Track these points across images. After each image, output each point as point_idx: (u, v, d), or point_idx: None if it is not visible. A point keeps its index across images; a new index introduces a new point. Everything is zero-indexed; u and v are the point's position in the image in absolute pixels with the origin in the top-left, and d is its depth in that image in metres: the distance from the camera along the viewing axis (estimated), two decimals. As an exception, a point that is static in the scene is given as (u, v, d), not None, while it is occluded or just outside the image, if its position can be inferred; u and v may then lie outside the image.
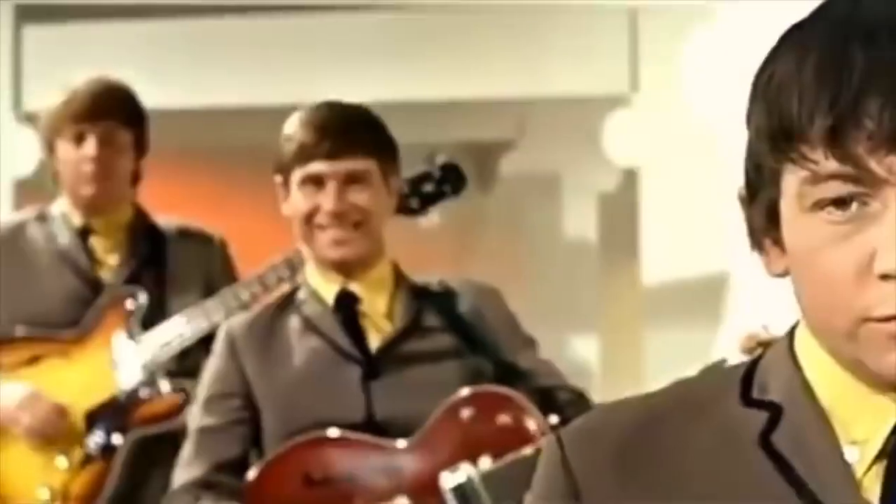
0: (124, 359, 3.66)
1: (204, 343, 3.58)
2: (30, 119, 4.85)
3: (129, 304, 3.68)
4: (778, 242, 1.25)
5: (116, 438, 3.62)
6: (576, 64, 5.27)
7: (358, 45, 5.22)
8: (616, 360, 5.61)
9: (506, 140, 6.59)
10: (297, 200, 2.88)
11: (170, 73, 5.01)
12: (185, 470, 2.95)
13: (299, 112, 2.93)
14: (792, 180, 1.20)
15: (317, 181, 2.85)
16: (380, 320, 2.95)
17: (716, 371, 1.41)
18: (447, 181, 3.40)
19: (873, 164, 1.15)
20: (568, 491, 1.30)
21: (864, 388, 1.24)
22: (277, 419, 2.93)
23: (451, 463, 2.86)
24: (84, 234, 3.72)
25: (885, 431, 1.22)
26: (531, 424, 2.85)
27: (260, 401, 2.94)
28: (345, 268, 2.92)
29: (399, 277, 3.01)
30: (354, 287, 2.94)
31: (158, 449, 3.59)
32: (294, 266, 3.41)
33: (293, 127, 2.89)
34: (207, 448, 2.94)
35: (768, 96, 1.20)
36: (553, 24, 5.17)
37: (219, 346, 3.01)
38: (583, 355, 5.94)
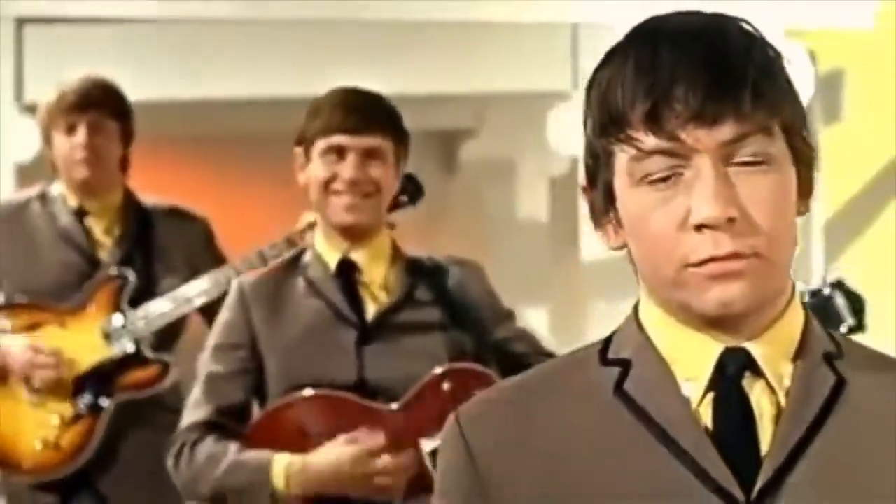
0: (114, 330, 3.74)
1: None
2: (30, 109, 4.78)
3: (121, 283, 3.75)
4: (614, 220, 1.39)
5: (103, 401, 3.71)
6: (526, 65, 5.38)
7: (339, 48, 5.26)
8: (564, 328, 5.66)
9: (467, 128, 6.64)
10: (317, 168, 2.94)
11: (161, 69, 5.01)
12: (193, 411, 2.97)
13: (328, 92, 3.00)
14: (623, 159, 1.35)
15: (339, 152, 2.92)
16: (376, 289, 3.00)
17: (582, 347, 1.48)
18: (405, 191, 3.40)
19: (684, 136, 1.31)
20: (466, 461, 1.43)
21: (690, 333, 1.38)
22: (279, 371, 2.96)
23: (430, 430, 2.86)
24: (80, 215, 3.80)
25: (710, 367, 1.37)
26: None
27: (264, 353, 2.97)
28: (351, 234, 2.97)
29: (396, 251, 3.06)
30: (355, 256, 2.99)
31: (141, 411, 3.72)
32: (263, 259, 3.50)
33: (321, 103, 2.97)
34: (214, 393, 2.97)
35: (599, 96, 1.36)
36: (508, 33, 5.30)
37: (231, 298, 3.03)
38: (535, 324, 5.99)
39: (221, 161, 6.14)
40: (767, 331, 1.38)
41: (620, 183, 1.37)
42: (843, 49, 5.61)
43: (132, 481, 3.72)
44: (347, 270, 2.98)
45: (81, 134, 3.73)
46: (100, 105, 3.76)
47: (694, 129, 1.32)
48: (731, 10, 1.41)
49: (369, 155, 2.93)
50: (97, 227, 3.81)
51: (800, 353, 1.39)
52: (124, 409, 3.72)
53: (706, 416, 1.37)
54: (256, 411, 3.03)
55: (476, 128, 6.67)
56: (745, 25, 1.37)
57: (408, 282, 3.01)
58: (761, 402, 1.37)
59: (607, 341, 1.44)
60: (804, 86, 4.64)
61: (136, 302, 3.74)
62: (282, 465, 2.86)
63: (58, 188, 3.83)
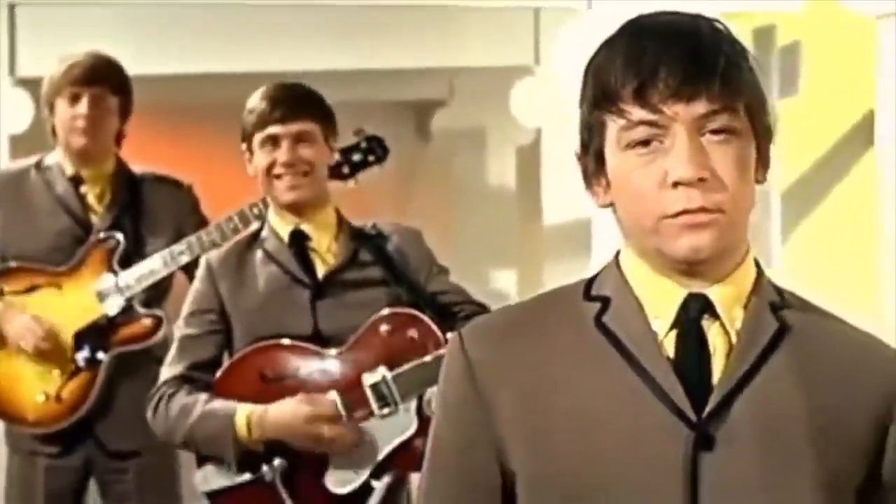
0: (107, 290, 3.87)
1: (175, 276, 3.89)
2: (23, 83, 4.96)
3: (111, 245, 3.88)
4: (603, 182, 1.61)
5: (100, 355, 3.85)
6: (492, 41, 5.51)
7: (322, 27, 5.38)
8: (528, 286, 5.76)
9: (438, 99, 6.72)
10: (258, 158, 3.22)
11: (146, 45, 5.08)
12: (169, 368, 3.25)
13: (258, 91, 3.26)
14: (613, 129, 1.57)
15: (273, 141, 3.20)
16: (325, 254, 3.28)
17: (570, 284, 1.70)
18: (372, 152, 3.61)
19: (665, 109, 1.53)
20: (465, 370, 1.63)
21: (661, 279, 1.60)
22: (244, 329, 3.24)
23: (371, 366, 3.17)
24: (75, 182, 3.91)
25: (676, 308, 1.59)
26: (432, 338, 3.14)
27: (231, 315, 3.26)
28: (297, 209, 3.25)
29: (341, 220, 3.32)
30: (305, 227, 3.27)
31: (135, 363, 3.85)
32: (247, 217, 3.69)
33: (253, 102, 3.24)
34: (187, 352, 3.25)
35: (595, 77, 1.59)
36: (476, 14, 5.46)
37: (200, 272, 3.30)
38: (503, 284, 6.16)
39: (207, 131, 6.21)
40: (724, 280, 1.59)
41: (610, 149, 1.58)
42: (801, 23, 5.66)
43: (129, 429, 3.83)
44: (299, 240, 3.26)
45: (84, 105, 3.85)
46: (104, 80, 3.87)
47: (673, 105, 1.54)
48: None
49: (300, 139, 3.20)
50: (91, 193, 3.93)
51: (750, 302, 1.60)
52: (120, 363, 3.86)
53: (669, 348, 1.59)
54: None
55: (447, 99, 6.76)
56: (717, 24, 1.59)
57: (352, 246, 3.27)
58: (716, 340, 1.58)
59: (591, 281, 1.66)
60: None
61: (126, 263, 3.87)
62: (244, 414, 3.13)
63: (54, 157, 3.94)
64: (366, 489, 3.16)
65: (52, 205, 3.91)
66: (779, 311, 1.61)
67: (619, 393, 1.57)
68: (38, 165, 3.96)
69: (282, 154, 3.20)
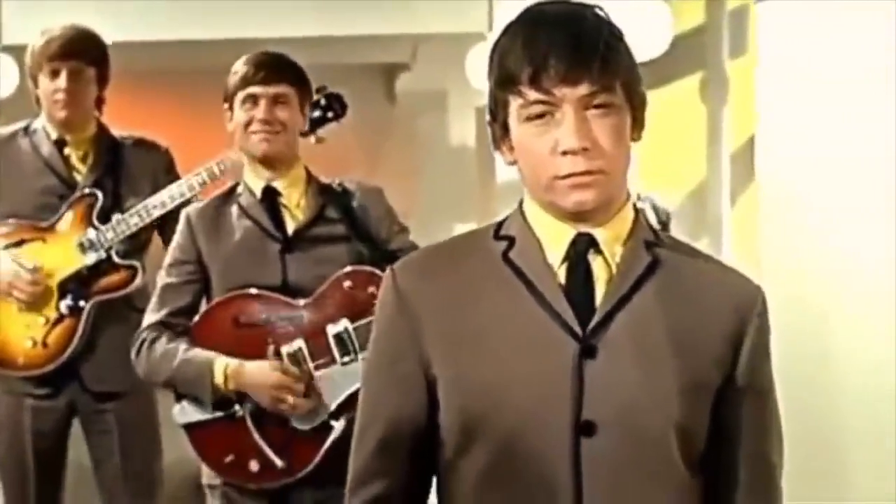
0: (87, 242, 3.98)
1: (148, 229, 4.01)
2: (9, 50, 5.06)
3: (91, 201, 3.99)
4: (508, 145, 1.88)
5: (82, 303, 3.97)
6: (451, 9, 5.72)
7: None
8: None
9: (402, 63, 6.93)
10: (238, 115, 3.39)
11: (125, 14, 5.20)
12: (150, 314, 3.43)
13: (244, 56, 3.43)
14: (514, 105, 1.84)
15: (253, 100, 3.38)
16: (295, 210, 3.43)
17: (483, 227, 1.96)
18: (331, 108, 3.72)
19: (555, 91, 1.81)
20: (396, 297, 1.92)
21: (555, 222, 1.88)
22: (220, 279, 3.40)
23: (335, 318, 3.34)
24: (59, 145, 4.03)
25: (567, 245, 1.87)
26: None
27: (208, 265, 3.41)
28: (269, 163, 3.41)
29: (310, 178, 3.48)
30: (276, 184, 3.43)
31: (116, 311, 4.00)
32: (213, 173, 3.83)
33: (238, 65, 3.41)
34: (167, 299, 3.42)
35: (498, 62, 1.87)
36: None
37: (180, 225, 3.46)
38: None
39: (183, 95, 6.36)
40: (606, 224, 1.88)
41: (512, 121, 1.86)
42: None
43: (110, 372, 4.00)
44: (271, 195, 3.43)
45: (63, 79, 3.96)
46: (80, 54, 3.98)
47: (562, 87, 1.81)
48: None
49: (277, 100, 3.38)
50: (74, 155, 4.04)
51: (629, 239, 1.90)
52: (101, 311, 4.00)
53: (562, 278, 1.88)
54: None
55: (410, 63, 6.95)
56: (598, 12, 1.88)
57: (319, 202, 3.44)
58: (599, 271, 1.89)
59: (500, 224, 1.94)
60: (662, 38, 4.95)
61: (106, 218, 3.99)
62: (221, 366, 3.32)
63: (40, 122, 4.05)
64: (326, 428, 3.33)
65: (38, 165, 4.03)
66: (652, 247, 1.90)
67: (520, 313, 1.86)
68: (25, 129, 4.07)
69: (259, 112, 3.37)
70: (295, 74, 3.45)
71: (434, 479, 1.96)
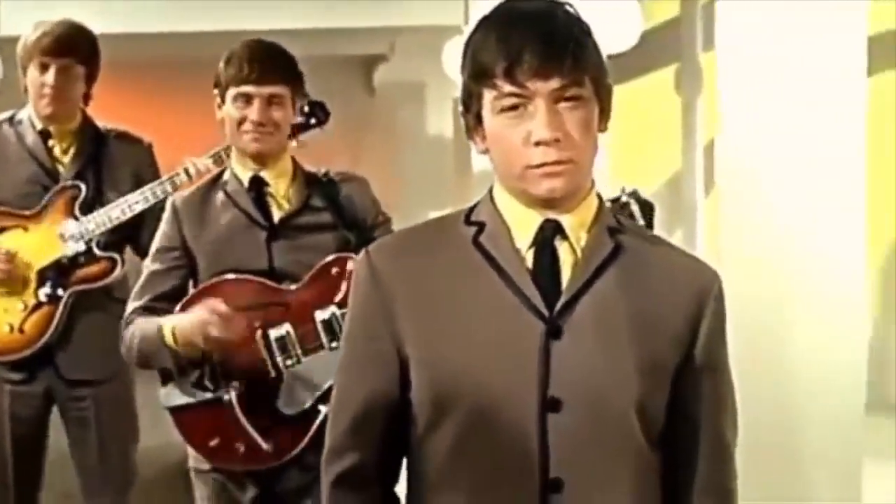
0: (68, 233, 3.99)
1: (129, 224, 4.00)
2: None
3: (74, 193, 4.00)
4: (481, 134, 1.95)
5: (60, 291, 3.98)
6: (427, 2, 5.78)
7: None
8: None
9: (380, 54, 7.01)
10: (230, 110, 3.33)
11: (113, 6, 5.24)
12: (134, 301, 3.41)
13: (238, 44, 3.35)
14: (488, 97, 1.91)
15: (246, 98, 3.32)
16: (281, 199, 3.41)
17: (455, 212, 2.04)
18: (314, 115, 3.71)
19: (529, 85, 1.88)
20: (370, 277, 1.99)
21: (524, 208, 1.95)
22: (206, 265, 3.38)
23: (322, 304, 3.33)
24: (44, 136, 4.03)
25: (534, 230, 1.95)
26: None
27: (194, 252, 3.39)
28: (259, 159, 3.39)
29: (296, 168, 3.46)
30: (264, 174, 3.40)
31: (94, 301, 4.01)
32: (189, 174, 3.84)
33: (233, 56, 3.33)
34: (151, 286, 3.39)
35: (472, 56, 1.94)
36: None
37: (167, 213, 3.42)
38: None
39: (167, 87, 6.33)
40: (573, 210, 1.96)
41: (486, 112, 1.93)
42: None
43: (86, 360, 4.03)
44: (258, 185, 3.41)
45: (51, 75, 3.97)
46: (71, 51, 3.99)
47: (535, 81, 1.88)
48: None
49: (271, 101, 3.33)
50: (58, 146, 4.06)
51: (593, 226, 1.97)
52: (79, 300, 4.01)
53: (529, 262, 1.96)
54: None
55: (388, 54, 7.02)
56: (569, 9, 1.95)
57: (305, 192, 3.43)
58: (565, 255, 1.96)
59: (471, 210, 2.02)
60: (632, 33, 5.03)
61: (88, 210, 4.01)
62: (168, 327, 3.28)
63: (26, 112, 4.07)
64: (314, 412, 3.33)
65: (23, 155, 4.04)
66: (615, 234, 1.98)
67: (489, 295, 1.93)
68: (11, 119, 4.08)
69: (253, 112, 3.33)
70: (289, 71, 3.39)
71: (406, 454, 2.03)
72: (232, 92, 3.33)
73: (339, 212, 3.41)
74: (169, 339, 3.29)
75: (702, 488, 2.01)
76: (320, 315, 3.33)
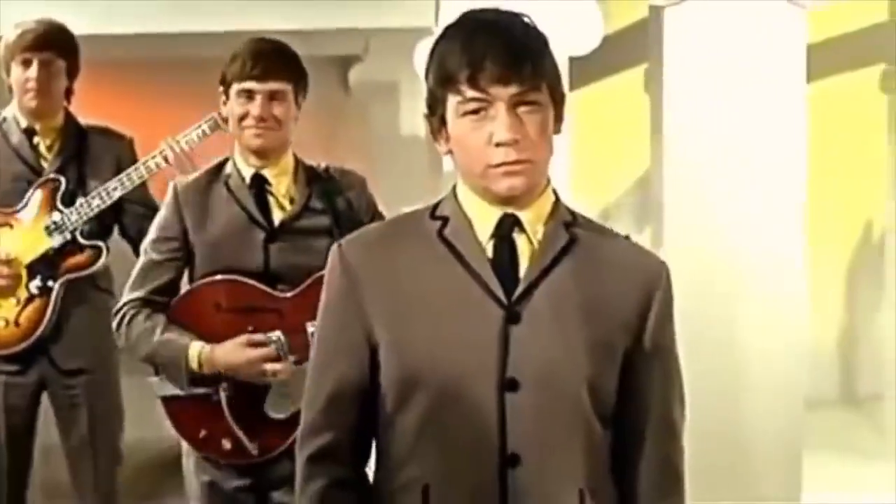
0: (53, 225, 4.03)
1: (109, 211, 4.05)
2: None
3: (55, 186, 4.04)
4: (445, 136, 2.06)
5: (51, 283, 4.02)
6: (400, 5, 5.85)
7: None
8: None
9: (355, 55, 7.07)
10: (234, 106, 3.34)
11: (97, 8, 5.28)
12: (130, 291, 3.39)
13: (243, 42, 3.36)
14: (452, 101, 2.03)
15: (249, 94, 3.32)
16: (282, 199, 3.40)
17: (421, 208, 2.13)
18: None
19: (491, 90, 2.00)
20: (342, 270, 2.10)
21: (485, 204, 2.06)
22: (204, 261, 3.36)
23: (315, 316, 3.10)
24: (29, 133, 4.08)
25: (494, 224, 2.06)
26: None
27: (193, 244, 3.36)
28: (261, 154, 3.37)
29: (297, 164, 3.44)
30: (266, 172, 3.39)
31: (83, 292, 4.07)
32: (166, 157, 3.85)
33: (237, 53, 3.34)
34: (148, 276, 3.38)
35: (438, 62, 2.06)
36: None
37: (167, 198, 3.39)
38: None
39: (149, 86, 6.36)
40: (530, 205, 2.08)
41: (450, 115, 2.04)
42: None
43: (77, 349, 4.08)
44: (259, 183, 3.41)
45: (34, 69, 4.03)
46: (52, 46, 4.04)
47: (496, 87, 2.00)
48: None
49: (273, 97, 3.34)
50: (42, 143, 4.10)
51: (549, 220, 2.10)
52: (69, 291, 4.05)
53: (489, 253, 2.07)
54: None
55: (362, 55, 7.09)
56: (527, 21, 2.07)
57: (306, 192, 3.41)
58: (523, 247, 2.09)
59: (436, 205, 2.13)
60: (593, 36, 5.13)
61: (71, 202, 4.04)
62: (196, 351, 3.30)
63: (10, 111, 4.12)
64: (300, 417, 3.32)
65: (7, 153, 4.09)
66: (570, 227, 2.10)
67: (452, 285, 2.05)
68: None
69: (255, 108, 3.33)
70: (293, 69, 3.37)
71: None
72: (235, 88, 3.34)
73: (337, 214, 3.41)
74: (194, 364, 3.30)
75: (649, 462, 2.13)
76: (312, 328, 3.27)
